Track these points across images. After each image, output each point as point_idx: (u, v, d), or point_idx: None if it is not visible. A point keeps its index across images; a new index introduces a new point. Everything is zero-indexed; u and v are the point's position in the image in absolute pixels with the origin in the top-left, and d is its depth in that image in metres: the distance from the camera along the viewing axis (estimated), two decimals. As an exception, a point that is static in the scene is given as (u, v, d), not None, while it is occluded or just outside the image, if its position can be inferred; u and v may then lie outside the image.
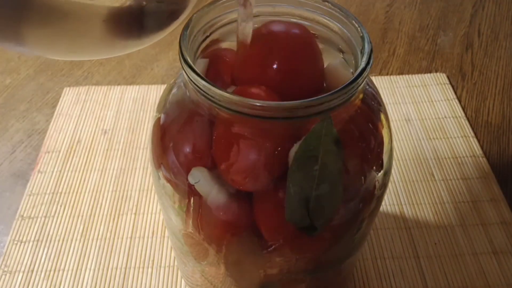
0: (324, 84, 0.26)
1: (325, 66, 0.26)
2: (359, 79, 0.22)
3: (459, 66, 0.57)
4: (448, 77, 0.55)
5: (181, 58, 0.23)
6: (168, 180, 0.26)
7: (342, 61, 0.26)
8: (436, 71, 0.56)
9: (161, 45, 0.60)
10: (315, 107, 0.21)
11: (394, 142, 0.47)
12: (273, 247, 0.25)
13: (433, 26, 0.63)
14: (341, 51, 0.26)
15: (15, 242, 0.40)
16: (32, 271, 0.38)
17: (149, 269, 0.38)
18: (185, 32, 0.24)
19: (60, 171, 0.45)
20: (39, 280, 0.38)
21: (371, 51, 0.23)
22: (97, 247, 0.40)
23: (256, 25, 0.25)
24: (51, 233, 0.41)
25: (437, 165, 0.45)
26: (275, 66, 0.24)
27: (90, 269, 0.38)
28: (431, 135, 0.48)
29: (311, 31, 0.26)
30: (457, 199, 0.43)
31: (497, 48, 0.59)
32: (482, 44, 0.60)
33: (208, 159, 0.24)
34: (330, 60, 0.26)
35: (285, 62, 0.24)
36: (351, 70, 0.25)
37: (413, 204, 0.42)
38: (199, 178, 0.24)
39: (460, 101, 0.52)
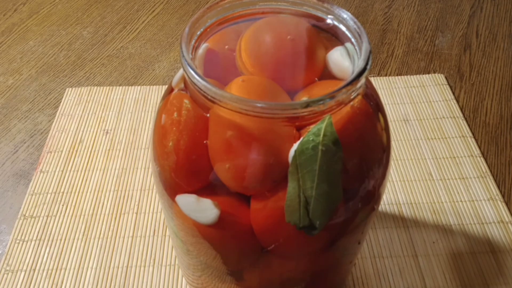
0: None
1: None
2: (357, 79, 0.22)
3: (457, 67, 0.57)
4: (446, 77, 0.55)
5: (182, 59, 0.23)
6: (169, 180, 0.26)
7: (342, 51, 0.26)
8: (434, 72, 0.56)
9: (162, 46, 0.61)
10: (314, 107, 0.21)
11: (392, 142, 0.47)
12: (272, 247, 0.25)
13: (431, 27, 0.63)
14: (345, 40, 0.26)
15: (17, 241, 0.40)
16: (34, 270, 0.39)
17: (151, 268, 0.39)
18: (185, 33, 0.24)
19: (62, 171, 0.46)
20: (41, 279, 0.38)
21: (370, 52, 0.24)
22: (98, 246, 0.40)
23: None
24: (53, 232, 0.41)
25: (435, 164, 0.46)
26: (272, 55, 0.24)
27: (91, 268, 0.39)
28: (429, 135, 0.48)
29: (313, 22, 0.27)
30: (455, 198, 0.43)
31: (495, 49, 0.59)
32: (480, 45, 0.60)
33: (207, 159, 0.24)
34: (335, 48, 0.26)
35: (281, 51, 0.25)
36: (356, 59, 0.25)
37: (411, 203, 0.43)
38: (184, 206, 0.25)
39: (458, 102, 0.52)
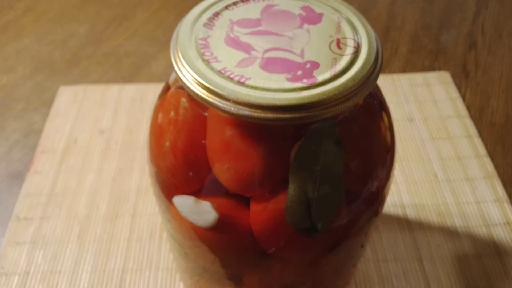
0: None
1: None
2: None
3: (462, 65, 0.56)
4: (451, 76, 0.54)
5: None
6: (166, 182, 0.25)
7: None
8: (439, 70, 0.55)
9: (160, 44, 0.60)
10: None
11: (396, 142, 0.46)
12: (272, 250, 0.24)
13: (436, 25, 0.62)
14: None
15: (11, 243, 0.40)
16: (28, 273, 0.38)
17: (147, 272, 0.38)
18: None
19: (57, 172, 0.45)
20: (35, 282, 0.37)
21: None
22: (93, 249, 0.39)
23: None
24: (47, 234, 0.40)
25: (440, 165, 0.45)
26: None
27: (86, 271, 0.38)
28: (434, 135, 0.47)
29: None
30: (461, 200, 0.42)
31: (501, 46, 0.59)
32: (486, 43, 0.59)
33: (206, 159, 0.23)
34: None
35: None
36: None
37: (416, 205, 0.42)
38: (182, 208, 0.24)
39: (464, 100, 0.51)
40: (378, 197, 0.26)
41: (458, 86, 0.53)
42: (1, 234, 0.40)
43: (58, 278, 0.37)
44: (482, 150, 0.46)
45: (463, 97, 0.52)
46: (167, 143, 0.24)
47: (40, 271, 0.38)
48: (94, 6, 0.66)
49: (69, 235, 0.40)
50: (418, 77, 0.54)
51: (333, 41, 0.23)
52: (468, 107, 0.51)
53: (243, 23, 0.24)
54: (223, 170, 0.23)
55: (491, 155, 0.46)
